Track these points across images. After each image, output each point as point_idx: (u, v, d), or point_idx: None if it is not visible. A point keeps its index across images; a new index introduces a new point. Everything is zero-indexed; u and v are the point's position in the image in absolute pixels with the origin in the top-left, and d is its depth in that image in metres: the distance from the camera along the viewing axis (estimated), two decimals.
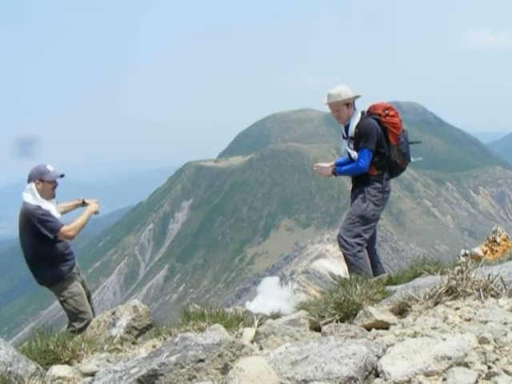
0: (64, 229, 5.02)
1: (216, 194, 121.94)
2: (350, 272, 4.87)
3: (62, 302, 5.12)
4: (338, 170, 5.35)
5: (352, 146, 5.21)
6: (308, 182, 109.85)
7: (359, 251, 5.02)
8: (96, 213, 5.41)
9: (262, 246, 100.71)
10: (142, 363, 2.19)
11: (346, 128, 5.27)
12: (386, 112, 5.20)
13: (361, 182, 5.25)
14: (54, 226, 4.99)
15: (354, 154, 5.19)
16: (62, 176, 5.17)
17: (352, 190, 5.43)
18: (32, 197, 5.02)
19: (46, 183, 5.09)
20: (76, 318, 5.06)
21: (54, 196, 5.18)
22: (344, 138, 5.35)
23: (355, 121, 5.17)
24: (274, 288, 59.20)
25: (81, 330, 4.82)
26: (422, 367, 1.78)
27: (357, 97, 5.21)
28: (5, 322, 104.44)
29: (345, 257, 5.07)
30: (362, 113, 5.23)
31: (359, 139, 5.10)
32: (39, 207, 4.98)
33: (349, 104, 5.16)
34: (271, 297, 52.87)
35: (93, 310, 5.41)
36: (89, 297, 5.43)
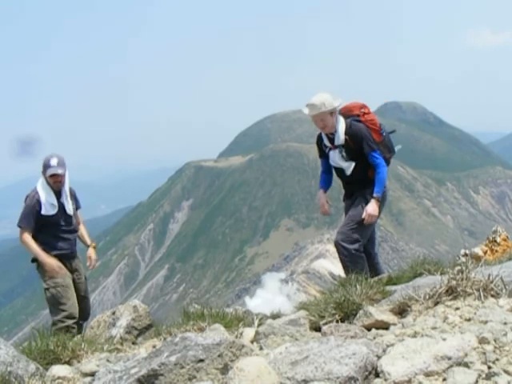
0: (23, 232, 5.07)
1: (216, 194, 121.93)
2: (346, 274, 4.81)
3: (45, 291, 5.14)
4: (378, 193, 4.88)
5: (345, 154, 4.97)
6: (308, 181, 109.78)
7: (358, 256, 4.91)
8: (46, 266, 5.08)
9: (262, 245, 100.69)
10: (141, 363, 2.19)
11: (331, 137, 5.01)
12: (362, 111, 5.04)
13: (360, 186, 5.06)
14: (21, 219, 5.09)
15: (346, 165, 4.97)
16: (58, 174, 5.10)
17: (347, 195, 5.23)
18: (39, 186, 5.13)
19: (48, 177, 5.13)
20: (55, 309, 5.04)
21: (59, 188, 5.17)
22: (328, 147, 5.06)
23: (341, 127, 4.94)
24: (277, 283, 59.49)
25: (57, 322, 4.85)
26: (422, 367, 1.77)
27: (340, 104, 5.01)
28: (5, 322, 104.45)
29: (343, 262, 4.95)
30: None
31: (358, 146, 4.90)
32: (33, 196, 5.09)
33: (333, 112, 4.91)
34: (276, 292, 53.14)
35: (88, 310, 5.37)
36: (85, 298, 5.40)
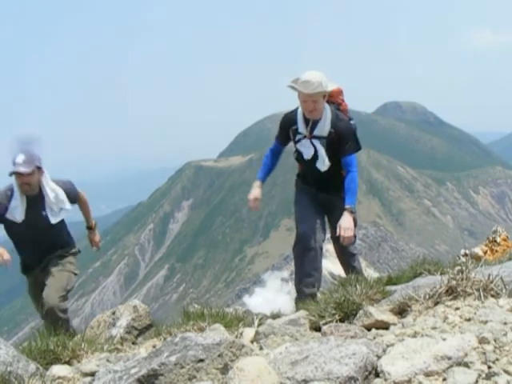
0: None
1: (216, 194, 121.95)
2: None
3: None
4: (352, 205, 4.23)
5: (324, 145, 4.26)
6: None
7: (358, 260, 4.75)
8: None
9: (262, 245, 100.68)
10: (141, 363, 2.19)
11: (311, 124, 4.28)
12: (342, 98, 4.49)
13: (335, 186, 4.43)
14: None
15: (326, 163, 4.30)
16: (20, 172, 4.26)
17: (315, 188, 4.52)
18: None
19: (15, 177, 4.31)
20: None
21: (27, 192, 4.38)
22: (302, 135, 4.32)
23: (328, 117, 4.23)
24: (278, 282, 59.67)
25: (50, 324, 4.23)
26: (422, 367, 1.77)
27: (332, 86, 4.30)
28: (5, 322, 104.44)
29: (352, 268, 4.57)
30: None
31: (342, 142, 4.25)
32: (3, 192, 4.43)
33: (325, 96, 4.20)
34: (278, 291, 53.27)
35: (49, 302, 4.43)
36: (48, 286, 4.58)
